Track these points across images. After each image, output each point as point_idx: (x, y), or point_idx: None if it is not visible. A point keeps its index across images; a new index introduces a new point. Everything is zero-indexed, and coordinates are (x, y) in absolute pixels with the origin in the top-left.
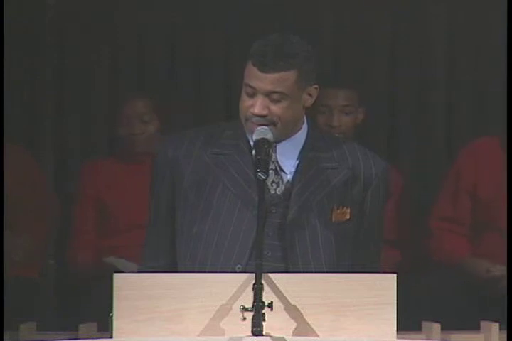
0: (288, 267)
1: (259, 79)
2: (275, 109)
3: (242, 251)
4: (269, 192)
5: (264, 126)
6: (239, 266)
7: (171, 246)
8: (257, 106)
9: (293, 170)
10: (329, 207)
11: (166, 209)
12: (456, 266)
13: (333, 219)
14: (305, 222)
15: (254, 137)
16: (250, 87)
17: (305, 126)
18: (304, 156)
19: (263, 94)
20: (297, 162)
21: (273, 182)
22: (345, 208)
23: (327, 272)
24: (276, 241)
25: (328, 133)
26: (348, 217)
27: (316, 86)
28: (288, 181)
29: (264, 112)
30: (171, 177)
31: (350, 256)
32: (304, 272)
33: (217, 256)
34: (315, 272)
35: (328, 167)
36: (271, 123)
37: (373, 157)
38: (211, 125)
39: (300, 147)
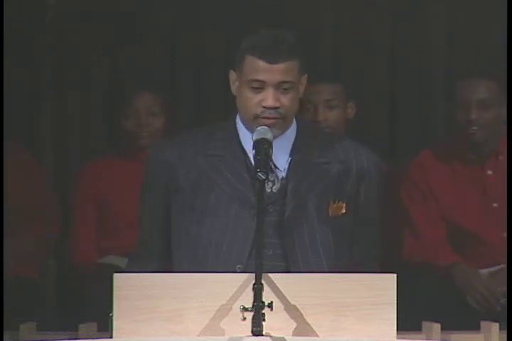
0: (289, 265)
1: (268, 70)
2: (285, 100)
3: (242, 251)
4: (266, 190)
5: (263, 126)
6: (239, 266)
7: (167, 248)
8: (270, 98)
9: (286, 166)
10: (325, 202)
11: (162, 212)
12: (443, 270)
13: (330, 214)
14: (302, 218)
15: (254, 137)
16: (258, 81)
17: (294, 122)
18: (296, 152)
19: (273, 86)
20: (290, 158)
21: (269, 180)
22: (340, 202)
23: (328, 272)
24: (275, 240)
25: (318, 128)
26: (344, 211)
27: (306, 75)
28: (283, 178)
29: (278, 104)
30: (166, 181)
31: (349, 251)
32: (304, 269)
33: (216, 257)
34: (315, 269)
35: (321, 162)
36: (281, 117)
37: (365, 151)
38: (202, 127)
39: (291, 143)
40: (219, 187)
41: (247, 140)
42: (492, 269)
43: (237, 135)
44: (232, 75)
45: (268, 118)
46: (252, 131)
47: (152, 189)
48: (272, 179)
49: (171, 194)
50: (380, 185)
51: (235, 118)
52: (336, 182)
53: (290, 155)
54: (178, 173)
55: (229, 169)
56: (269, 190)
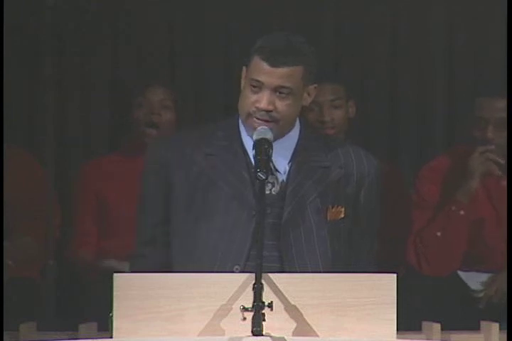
0: (284, 267)
1: (268, 73)
2: (280, 105)
3: (240, 252)
4: (265, 192)
5: (264, 126)
6: (237, 266)
7: (166, 247)
8: (264, 100)
9: (287, 169)
10: (324, 206)
11: (161, 210)
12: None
13: (328, 218)
14: (300, 221)
15: (255, 137)
16: (257, 81)
17: (297, 125)
18: (297, 156)
19: (270, 89)
20: (291, 162)
21: (268, 182)
22: (339, 207)
23: (324, 272)
24: (272, 241)
25: (320, 132)
26: (342, 215)
27: (315, 85)
28: (283, 181)
29: (270, 107)
30: (165, 179)
31: (346, 255)
32: (300, 271)
33: (214, 258)
34: (311, 271)
35: (321, 166)
36: (274, 120)
37: (366, 155)
38: (203, 125)
39: (293, 146)
40: (218, 186)
41: (248, 140)
42: (487, 278)
43: (239, 134)
44: (244, 72)
45: (259, 119)
46: (247, 130)
47: (151, 187)
48: (272, 181)
49: (170, 193)
50: (380, 190)
51: (237, 118)
52: (336, 186)
53: (291, 158)
54: (177, 171)
55: (229, 169)
56: (268, 192)
